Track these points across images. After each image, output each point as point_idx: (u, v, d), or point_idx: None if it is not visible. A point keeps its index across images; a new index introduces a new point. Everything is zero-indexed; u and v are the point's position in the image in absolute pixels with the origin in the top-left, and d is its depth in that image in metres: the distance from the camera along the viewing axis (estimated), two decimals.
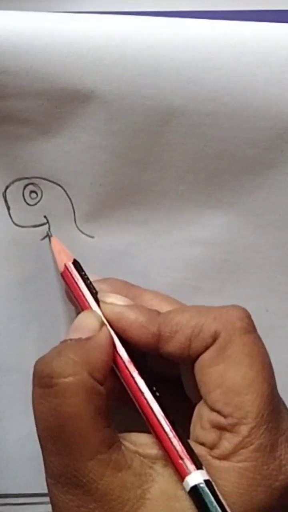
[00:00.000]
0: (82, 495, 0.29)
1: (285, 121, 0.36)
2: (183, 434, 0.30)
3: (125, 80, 0.35)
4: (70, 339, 0.32)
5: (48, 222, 0.38)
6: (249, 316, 0.32)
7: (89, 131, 0.36)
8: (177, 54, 0.35)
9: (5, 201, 0.38)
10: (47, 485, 0.31)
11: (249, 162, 0.37)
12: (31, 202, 0.38)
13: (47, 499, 0.34)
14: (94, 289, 0.35)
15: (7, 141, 0.36)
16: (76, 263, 0.36)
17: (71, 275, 0.36)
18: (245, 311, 0.32)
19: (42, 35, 0.34)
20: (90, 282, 0.36)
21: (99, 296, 0.35)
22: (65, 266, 0.36)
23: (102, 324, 0.33)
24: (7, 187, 0.37)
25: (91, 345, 0.32)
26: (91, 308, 0.34)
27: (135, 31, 0.35)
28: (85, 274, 0.36)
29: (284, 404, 0.32)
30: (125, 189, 0.38)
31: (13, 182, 0.37)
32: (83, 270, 0.36)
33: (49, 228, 0.38)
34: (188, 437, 0.31)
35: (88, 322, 0.33)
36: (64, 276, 0.36)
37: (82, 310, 0.35)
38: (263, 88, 0.36)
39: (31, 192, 0.38)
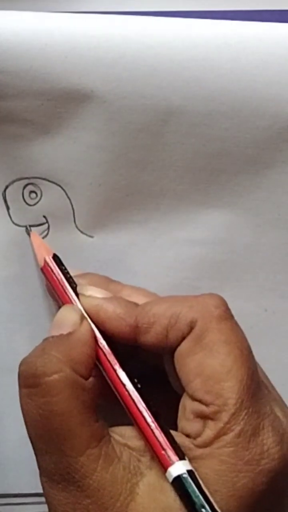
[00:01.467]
0: (76, 491, 0.29)
1: (284, 120, 0.36)
2: (165, 425, 0.30)
3: (125, 80, 0.35)
4: (52, 336, 0.32)
5: (47, 222, 0.38)
6: (225, 304, 0.32)
7: (88, 131, 0.36)
8: (176, 54, 0.35)
9: (5, 201, 0.38)
10: (42, 484, 0.31)
11: (248, 162, 0.37)
12: (31, 202, 0.38)
13: None
14: (74, 283, 0.35)
15: (7, 141, 0.36)
16: (55, 258, 0.36)
17: (51, 269, 0.36)
18: (221, 298, 0.32)
19: (42, 35, 0.34)
20: (70, 276, 0.36)
21: (78, 289, 0.35)
22: (45, 261, 0.36)
23: (83, 318, 0.33)
24: (6, 187, 0.37)
25: (73, 340, 0.32)
26: (71, 302, 0.34)
27: (134, 31, 0.35)
28: (65, 269, 0.36)
29: (268, 388, 0.32)
30: (125, 189, 0.38)
31: (12, 182, 0.37)
32: (63, 264, 0.36)
33: (48, 228, 0.38)
34: (176, 430, 0.31)
35: (68, 317, 0.33)
36: (44, 270, 0.36)
37: (63, 304, 0.35)
38: (262, 88, 0.36)
39: (31, 192, 0.38)
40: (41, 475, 0.31)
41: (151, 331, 0.32)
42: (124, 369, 0.32)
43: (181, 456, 0.29)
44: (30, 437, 0.31)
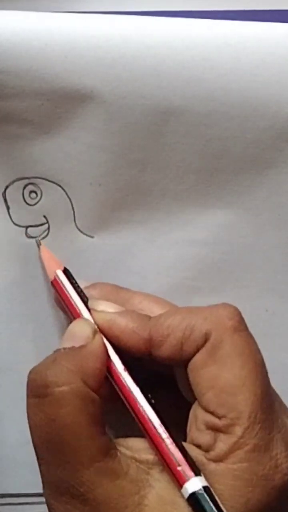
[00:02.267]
0: (80, 504, 0.29)
1: (284, 120, 0.36)
2: (180, 440, 0.30)
3: (125, 80, 0.35)
4: (64, 348, 0.32)
5: (47, 222, 0.38)
6: (239, 314, 0.32)
7: (88, 131, 0.36)
8: (176, 54, 0.35)
9: (5, 201, 0.38)
10: (45, 496, 0.31)
11: (248, 162, 0.37)
12: (31, 202, 0.38)
13: None
14: (85, 296, 0.35)
15: (7, 141, 0.36)
16: (66, 271, 0.36)
17: (62, 283, 0.36)
18: (235, 309, 0.32)
19: (41, 35, 0.34)
20: (81, 290, 0.36)
21: (89, 304, 0.35)
22: (55, 275, 0.36)
23: (95, 332, 0.33)
24: (7, 187, 0.37)
25: (85, 353, 0.32)
26: (83, 316, 0.34)
27: (134, 31, 0.35)
28: (76, 282, 0.36)
29: (279, 401, 0.32)
30: (124, 189, 0.38)
31: (13, 182, 0.37)
32: (73, 278, 0.36)
33: (48, 228, 0.38)
34: (185, 438, 0.31)
35: (81, 331, 0.33)
36: (55, 284, 0.36)
37: (74, 318, 0.35)
38: (262, 88, 0.36)
39: (31, 192, 0.38)
40: (44, 487, 0.31)
41: (166, 344, 0.32)
42: (138, 385, 0.32)
43: (197, 472, 0.29)
44: (35, 448, 0.31)
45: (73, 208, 0.38)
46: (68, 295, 0.35)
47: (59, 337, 0.39)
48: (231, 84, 0.36)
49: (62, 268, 0.37)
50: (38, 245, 0.38)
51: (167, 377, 0.34)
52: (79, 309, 0.35)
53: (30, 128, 0.36)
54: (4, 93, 0.35)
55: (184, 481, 0.29)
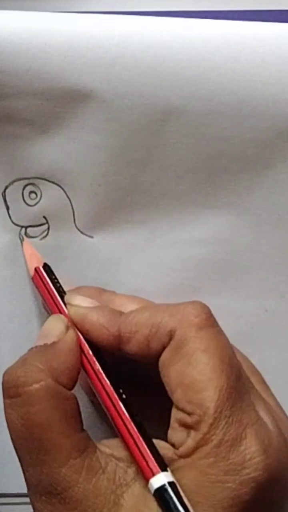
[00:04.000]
0: (59, 504, 0.29)
1: (284, 120, 0.36)
2: (148, 435, 0.30)
3: (124, 80, 0.35)
4: (36, 346, 0.32)
5: (47, 222, 0.38)
6: (207, 312, 0.32)
7: (88, 131, 0.36)
8: (176, 54, 0.35)
9: (5, 201, 0.38)
10: (29, 498, 0.31)
11: (248, 162, 0.37)
12: (31, 202, 0.38)
13: None
14: (64, 292, 0.35)
15: (6, 141, 0.37)
16: (46, 267, 0.37)
17: (40, 279, 0.36)
18: (202, 306, 0.32)
19: (41, 34, 0.34)
20: (60, 286, 0.36)
21: (66, 298, 0.35)
22: (35, 270, 0.36)
23: (68, 327, 0.33)
24: (6, 187, 0.37)
25: (56, 350, 0.32)
26: (59, 311, 0.34)
27: (134, 31, 0.35)
28: (55, 278, 0.36)
29: (256, 394, 0.32)
30: (124, 189, 0.38)
31: (12, 182, 0.37)
32: (53, 274, 0.36)
33: (48, 228, 0.38)
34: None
35: (54, 327, 0.33)
36: (34, 280, 0.37)
37: (52, 314, 0.35)
38: (262, 88, 0.36)
39: (31, 192, 0.38)
40: (27, 488, 0.31)
41: (133, 340, 0.32)
42: (110, 379, 0.32)
43: (163, 467, 0.29)
44: (14, 448, 0.31)
45: (73, 208, 0.38)
46: (46, 290, 0.36)
47: None
48: (231, 84, 0.36)
49: (42, 264, 0.37)
50: (21, 240, 0.38)
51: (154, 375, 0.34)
52: (56, 305, 0.35)
53: (30, 128, 0.36)
54: (4, 92, 0.35)
55: (150, 476, 0.29)
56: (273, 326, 0.39)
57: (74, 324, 0.33)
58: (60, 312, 0.34)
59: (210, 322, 0.31)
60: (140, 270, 0.39)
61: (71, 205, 0.38)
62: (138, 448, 0.30)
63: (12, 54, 0.34)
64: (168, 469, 0.29)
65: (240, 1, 0.42)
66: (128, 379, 0.33)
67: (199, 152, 0.37)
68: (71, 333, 0.33)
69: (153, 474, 0.29)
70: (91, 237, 0.38)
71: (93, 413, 0.37)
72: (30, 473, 0.30)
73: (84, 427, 0.31)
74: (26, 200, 0.38)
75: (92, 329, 0.33)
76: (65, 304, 0.35)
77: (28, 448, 0.30)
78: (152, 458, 0.29)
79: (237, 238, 0.39)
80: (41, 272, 0.36)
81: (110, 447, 0.31)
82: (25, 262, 0.38)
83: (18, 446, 0.30)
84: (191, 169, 0.37)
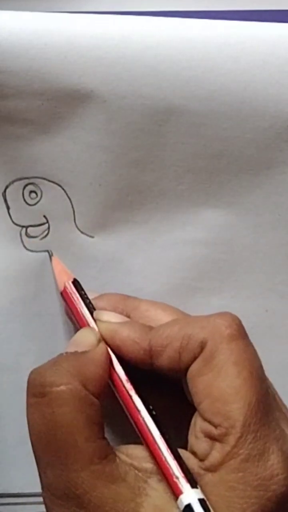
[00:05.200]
0: (75, 507, 0.29)
1: (284, 120, 0.36)
2: (177, 451, 0.30)
3: (125, 80, 0.35)
4: (66, 352, 0.32)
5: (47, 222, 0.38)
6: (238, 323, 0.32)
7: (88, 131, 0.36)
8: (176, 54, 0.35)
9: (5, 201, 0.38)
10: (43, 498, 0.31)
11: (248, 162, 0.37)
12: (31, 202, 0.38)
13: None
14: (93, 307, 0.36)
15: (6, 141, 0.37)
16: (75, 282, 0.37)
17: (70, 295, 0.36)
18: (234, 318, 0.32)
19: (41, 35, 0.34)
20: (89, 301, 0.36)
21: (95, 314, 0.35)
22: (65, 286, 0.37)
23: (99, 340, 0.33)
24: (6, 187, 0.37)
25: (86, 358, 0.32)
26: (88, 325, 0.35)
27: (134, 31, 0.35)
28: (85, 293, 0.36)
29: (280, 409, 0.32)
30: (124, 189, 0.38)
31: (12, 182, 0.37)
32: (82, 289, 0.37)
33: (48, 228, 0.38)
34: (186, 443, 0.31)
35: (85, 338, 0.33)
36: (64, 295, 0.37)
37: (81, 328, 0.35)
38: (262, 88, 0.36)
39: (31, 192, 0.38)
40: (42, 489, 0.31)
41: (165, 354, 0.32)
42: (139, 395, 0.32)
43: (193, 484, 0.29)
44: (33, 448, 0.31)
45: (73, 208, 0.38)
46: (75, 305, 0.36)
47: (60, 336, 0.39)
48: (231, 84, 0.36)
49: (72, 279, 0.37)
50: (50, 256, 0.38)
51: (175, 381, 0.34)
52: (85, 319, 0.35)
53: (30, 128, 0.36)
54: (4, 93, 0.35)
55: (180, 493, 0.29)
56: (273, 326, 0.40)
57: (104, 340, 0.34)
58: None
59: (240, 333, 0.31)
60: (140, 270, 0.39)
61: (72, 205, 0.38)
62: (169, 465, 0.30)
63: (12, 55, 0.34)
64: (198, 486, 0.29)
65: (240, 1, 0.42)
66: (148, 384, 0.33)
67: (199, 152, 0.37)
68: (102, 346, 0.33)
69: (183, 491, 0.29)
70: (92, 236, 0.38)
71: (111, 419, 0.37)
72: (47, 475, 0.30)
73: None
74: (26, 199, 0.38)
75: (123, 345, 0.33)
76: (94, 320, 0.35)
77: (49, 449, 0.30)
78: (183, 475, 0.29)
79: (237, 238, 0.39)
80: (71, 288, 0.37)
81: (130, 457, 0.31)
82: (54, 278, 0.38)
83: (38, 446, 0.30)
84: (191, 169, 0.37)
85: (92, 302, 0.36)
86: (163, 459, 0.30)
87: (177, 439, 0.31)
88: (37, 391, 0.30)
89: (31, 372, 0.31)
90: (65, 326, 0.39)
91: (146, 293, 0.39)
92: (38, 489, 0.38)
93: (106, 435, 0.31)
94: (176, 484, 0.29)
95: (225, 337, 0.31)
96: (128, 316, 0.35)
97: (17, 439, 0.39)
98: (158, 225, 0.39)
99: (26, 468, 0.39)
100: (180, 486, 0.29)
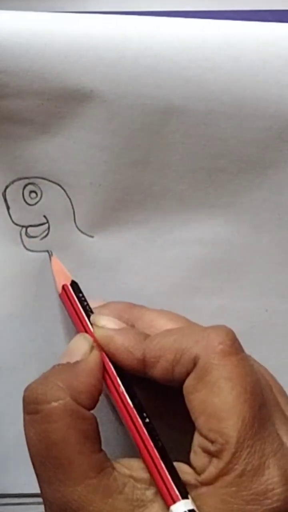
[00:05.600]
0: None
1: (284, 120, 0.36)
2: (170, 460, 0.30)
3: (125, 80, 0.35)
4: (58, 364, 0.32)
5: (48, 222, 0.38)
6: (231, 338, 0.31)
7: (88, 131, 0.36)
8: (176, 54, 0.35)
9: (5, 200, 0.38)
10: None
11: (248, 162, 0.37)
12: (31, 201, 0.38)
13: None
14: (91, 310, 0.35)
15: (7, 141, 0.37)
16: (74, 284, 0.37)
17: (67, 297, 0.36)
18: (228, 332, 0.31)
19: (41, 35, 0.34)
20: (87, 304, 0.36)
21: (92, 318, 0.35)
22: (63, 288, 0.37)
23: (93, 348, 0.33)
24: (6, 187, 0.37)
25: (78, 369, 0.32)
26: (85, 331, 0.34)
27: (134, 31, 0.35)
28: (83, 296, 0.36)
29: (280, 423, 0.31)
30: (125, 189, 0.38)
31: (13, 182, 0.37)
32: (81, 292, 0.36)
33: (48, 228, 0.38)
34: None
35: (78, 346, 0.33)
36: (62, 297, 0.37)
37: (78, 332, 0.35)
38: (262, 88, 0.36)
39: (31, 192, 0.38)
40: (44, 505, 0.31)
41: (158, 365, 0.32)
42: (133, 402, 0.32)
43: (184, 494, 0.29)
44: (32, 464, 0.31)
45: (73, 208, 0.38)
46: (72, 308, 0.36)
47: (60, 336, 0.39)
48: (231, 84, 0.36)
49: (70, 282, 0.37)
50: (50, 256, 0.38)
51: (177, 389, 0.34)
52: (82, 323, 0.35)
53: (30, 128, 0.36)
54: (4, 92, 0.35)
55: (171, 503, 0.29)
56: (273, 326, 0.40)
57: (99, 345, 0.33)
58: (86, 332, 0.35)
59: (234, 349, 0.31)
60: (140, 269, 0.39)
61: (72, 205, 0.38)
62: (160, 474, 0.30)
63: (13, 54, 0.34)
64: (189, 496, 0.29)
65: (240, 1, 0.42)
66: (152, 399, 0.33)
67: (199, 152, 0.37)
68: (95, 353, 0.33)
69: (174, 501, 0.29)
70: (92, 236, 0.38)
71: (115, 429, 0.37)
72: (46, 490, 0.30)
73: (105, 444, 0.31)
74: (26, 199, 0.38)
75: (117, 352, 0.33)
76: (91, 323, 0.35)
77: (45, 465, 0.30)
78: (173, 485, 0.29)
79: (237, 238, 0.39)
80: (69, 290, 0.37)
81: (129, 468, 0.31)
82: (53, 278, 0.38)
83: (35, 463, 0.31)
84: (191, 169, 0.37)
85: (96, 310, 0.36)
86: (155, 468, 0.30)
87: (181, 451, 0.31)
88: (31, 408, 0.31)
89: (25, 389, 0.32)
90: (65, 326, 0.39)
91: (146, 293, 0.39)
92: (38, 490, 0.38)
93: (107, 446, 0.31)
94: (166, 494, 0.29)
95: (218, 352, 0.31)
96: (133, 325, 0.35)
97: (17, 440, 0.39)
98: (159, 224, 0.39)
99: (26, 469, 0.39)
100: (170, 496, 0.29)
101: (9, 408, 0.39)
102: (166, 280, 0.39)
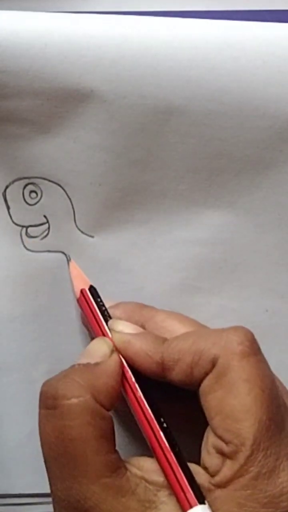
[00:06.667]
0: None
1: (284, 120, 0.36)
2: (187, 465, 0.30)
3: (125, 80, 0.35)
4: (78, 364, 0.32)
5: (48, 221, 0.38)
6: (250, 339, 0.31)
7: (88, 131, 0.36)
8: (177, 54, 0.35)
9: (5, 200, 0.38)
10: (54, 510, 0.31)
11: (248, 162, 0.37)
12: (31, 201, 0.38)
13: (47, 499, 0.34)
14: (109, 316, 0.36)
15: (7, 141, 0.37)
16: (92, 289, 0.37)
17: (86, 302, 0.36)
18: (246, 333, 0.32)
19: (41, 35, 0.34)
20: (106, 309, 0.36)
21: (109, 323, 0.35)
22: (81, 292, 0.37)
23: (112, 351, 0.33)
24: (7, 187, 0.37)
25: (98, 370, 0.32)
26: (103, 335, 0.35)
27: (135, 31, 0.35)
28: (101, 301, 0.36)
29: None
30: (125, 189, 0.38)
31: (13, 182, 0.37)
32: (99, 297, 0.37)
33: (48, 228, 0.38)
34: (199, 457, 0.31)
35: (98, 349, 0.33)
36: (80, 302, 0.37)
37: (96, 336, 0.35)
38: (262, 88, 0.36)
39: (31, 191, 0.38)
40: (53, 501, 0.31)
41: (176, 368, 0.32)
42: (151, 407, 0.32)
43: (201, 499, 0.29)
44: (44, 460, 0.31)
45: (73, 208, 0.38)
46: (91, 313, 0.36)
47: (60, 336, 0.39)
48: (231, 84, 0.36)
49: (88, 286, 0.37)
50: (68, 260, 0.38)
51: (191, 392, 0.34)
52: (100, 328, 0.35)
53: (30, 128, 0.36)
54: (4, 92, 0.35)
55: (187, 508, 0.29)
56: (273, 326, 0.40)
57: (117, 350, 0.33)
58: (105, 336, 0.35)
59: (253, 350, 0.31)
60: (140, 269, 0.39)
61: (72, 205, 0.38)
62: (177, 478, 0.30)
63: (13, 54, 0.34)
64: (205, 501, 0.29)
65: (240, 1, 0.42)
66: (163, 400, 0.33)
67: (200, 152, 0.37)
68: (115, 356, 0.33)
69: (191, 506, 0.29)
70: (92, 236, 0.38)
71: (126, 431, 0.37)
72: (58, 487, 0.30)
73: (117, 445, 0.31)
74: (26, 199, 0.38)
75: (135, 356, 0.33)
76: (109, 328, 0.35)
77: (60, 461, 0.30)
78: (190, 490, 0.29)
79: (237, 238, 0.39)
80: (87, 295, 0.37)
81: (141, 469, 0.31)
82: (71, 283, 0.38)
83: (49, 458, 0.30)
84: (192, 169, 0.37)
85: (108, 310, 0.36)
86: (172, 473, 0.30)
87: (190, 452, 0.31)
88: (49, 403, 0.31)
89: (43, 384, 0.32)
90: (65, 326, 0.39)
91: (146, 292, 0.39)
92: (39, 489, 0.38)
93: (120, 446, 0.31)
94: (183, 499, 0.29)
95: (237, 353, 0.31)
96: (143, 326, 0.35)
97: (18, 440, 0.39)
98: (158, 224, 0.39)
99: (28, 469, 0.39)
100: (187, 501, 0.29)
101: (9, 408, 0.39)
102: (166, 280, 0.39)
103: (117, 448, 0.31)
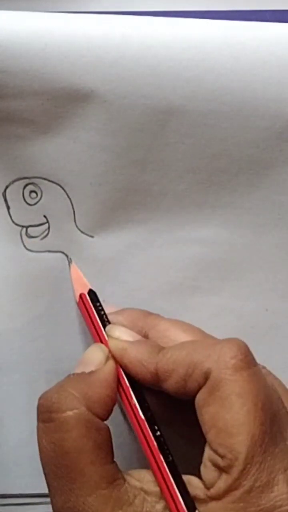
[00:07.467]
0: None
1: (284, 120, 0.36)
2: (180, 475, 0.30)
3: (125, 80, 0.35)
4: (73, 374, 0.32)
5: (48, 221, 0.38)
6: (244, 352, 0.31)
7: (88, 131, 0.36)
8: (177, 54, 0.35)
9: (5, 200, 0.38)
10: None
11: (248, 162, 0.37)
12: (31, 201, 0.38)
13: (47, 499, 0.34)
14: (107, 320, 0.36)
15: (7, 141, 0.37)
16: (91, 293, 0.37)
17: (85, 306, 0.36)
18: (240, 346, 0.31)
19: (41, 35, 0.34)
20: (104, 313, 0.36)
21: (107, 329, 0.35)
22: (80, 296, 0.37)
23: (108, 358, 0.33)
24: (7, 187, 0.37)
25: (93, 379, 0.32)
26: (101, 341, 0.35)
27: (135, 31, 0.35)
28: (100, 305, 0.36)
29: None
30: (125, 189, 0.38)
31: (13, 182, 0.37)
32: (98, 301, 0.37)
33: (48, 228, 0.38)
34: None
35: (94, 356, 0.33)
36: (79, 306, 0.37)
37: (94, 341, 0.35)
38: (262, 88, 0.36)
39: (31, 191, 0.38)
40: None
41: (171, 379, 0.32)
42: (145, 414, 0.32)
43: (192, 510, 0.29)
44: (44, 473, 0.31)
45: (73, 208, 0.38)
46: (89, 318, 0.36)
47: (60, 336, 0.39)
48: (231, 84, 0.36)
49: (87, 290, 0.37)
50: (69, 262, 0.38)
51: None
52: (98, 333, 0.35)
53: (30, 128, 0.36)
54: (4, 93, 0.35)
55: None
56: (273, 326, 0.40)
57: (113, 357, 0.34)
58: (102, 342, 0.35)
59: (246, 363, 0.31)
60: (140, 269, 0.39)
61: (72, 205, 0.38)
62: (168, 488, 0.30)
63: (13, 55, 0.34)
64: (196, 511, 0.29)
65: (240, 1, 0.42)
66: (165, 409, 0.33)
67: (200, 152, 0.37)
68: (110, 364, 0.33)
69: None
70: (92, 236, 0.38)
71: (127, 440, 0.37)
72: (57, 499, 0.30)
73: (116, 455, 0.31)
74: (26, 199, 0.38)
75: (130, 365, 0.33)
76: (107, 334, 0.35)
77: (57, 474, 0.30)
78: (181, 500, 0.29)
79: (237, 238, 0.39)
80: (86, 299, 0.37)
81: (140, 480, 0.31)
82: (72, 286, 0.38)
83: (47, 471, 0.31)
84: (191, 169, 0.37)
85: (111, 316, 0.36)
86: (163, 482, 0.30)
87: (192, 463, 0.31)
88: (45, 416, 0.31)
89: (40, 397, 0.32)
90: (65, 326, 0.39)
91: (146, 292, 0.39)
92: (39, 490, 0.38)
93: (119, 458, 0.31)
94: (174, 509, 0.29)
95: (230, 367, 0.30)
96: (147, 334, 0.35)
97: (18, 440, 0.39)
98: (158, 224, 0.39)
99: (27, 469, 0.39)
100: (178, 511, 0.29)
101: (9, 408, 0.39)
102: (166, 280, 0.39)
103: (117, 458, 0.31)
